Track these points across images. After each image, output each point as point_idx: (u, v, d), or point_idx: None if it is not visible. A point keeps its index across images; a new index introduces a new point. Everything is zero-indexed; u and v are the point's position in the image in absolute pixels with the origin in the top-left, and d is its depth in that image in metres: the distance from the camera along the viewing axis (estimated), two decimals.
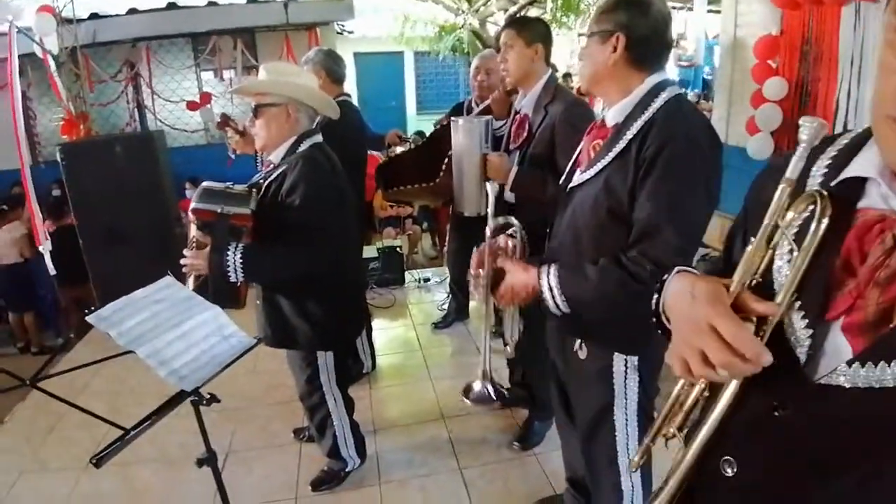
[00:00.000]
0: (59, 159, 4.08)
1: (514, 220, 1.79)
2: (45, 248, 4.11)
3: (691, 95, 8.41)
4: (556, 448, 2.41)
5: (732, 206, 1.53)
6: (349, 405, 2.42)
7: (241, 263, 1.88)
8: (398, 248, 4.83)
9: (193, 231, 1.98)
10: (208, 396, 1.45)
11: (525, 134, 2.34)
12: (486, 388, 2.06)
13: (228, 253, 1.88)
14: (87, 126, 5.20)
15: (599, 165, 1.49)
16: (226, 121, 2.64)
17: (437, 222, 6.09)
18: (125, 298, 1.59)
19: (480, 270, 1.75)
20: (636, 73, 1.48)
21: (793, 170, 0.66)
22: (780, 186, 0.67)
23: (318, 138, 2.10)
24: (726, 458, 0.71)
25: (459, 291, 3.97)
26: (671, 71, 9.16)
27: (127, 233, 4.09)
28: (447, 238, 3.86)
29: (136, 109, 6.87)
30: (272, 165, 2.07)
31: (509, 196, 2.32)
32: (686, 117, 1.44)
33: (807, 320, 0.65)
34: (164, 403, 1.42)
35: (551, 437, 2.66)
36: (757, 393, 0.67)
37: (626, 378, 1.69)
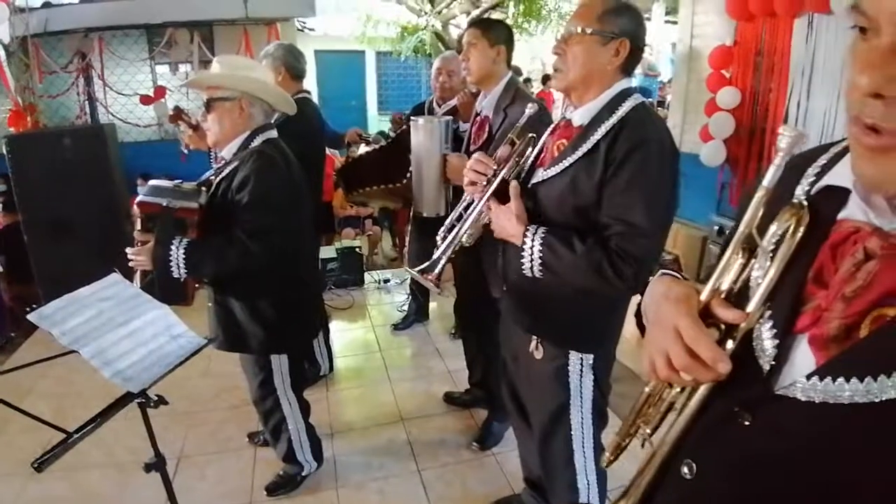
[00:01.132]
0: (4, 151, 3.91)
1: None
2: None
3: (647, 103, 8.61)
4: (514, 448, 2.42)
5: (685, 211, 1.58)
6: (304, 409, 2.37)
7: (184, 258, 1.82)
8: (357, 249, 4.78)
9: (137, 226, 1.91)
10: (156, 398, 1.39)
11: (485, 136, 2.34)
12: None
13: (172, 247, 1.82)
14: (34, 118, 4.98)
15: (565, 163, 1.50)
16: (179, 114, 2.56)
17: (395, 223, 6.05)
18: (69, 296, 1.52)
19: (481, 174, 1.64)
20: (618, 79, 1.51)
21: (770, 178, 0.65)
22: (757, 195, 0.66)
23: (273, 134, 2.05)
24: (686, 460, 0.71)
25: (419, 292, 3.96)
26: (635, 80, 9.38)
27: (74, 229, 3.94)
28: (407, 239, 3.84)
29: (87, 102, 6.60)
30: (224, 161, 2.02)
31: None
32: (654, 123, 1.50)
33: (774, 330, 0.65)
34: (110, 406, 1.36)
35: (510, 438, 2.66)
36: (720, 398, 0.67)
37: (581, 377, 1.70)
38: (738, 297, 0.69)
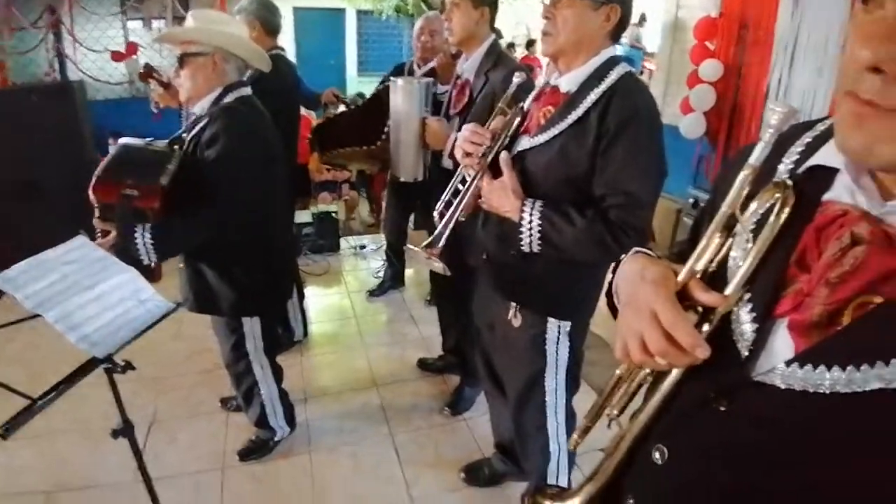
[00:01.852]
0: None
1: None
2: None
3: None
4: (485, 413, 2.45)
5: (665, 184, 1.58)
6: (277, 374, 2.36)
7: (153, 245, 1.75)
8: (333, 214, 4.72)
9: (95, 216, 1.81)
10: (123, 364, 1.36)
11: (466, 99, 2.29)
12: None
13: (136, 237, 1.74)
14: (3, 75, 4.77)
15: (553, 131, 1.48)
16: (149, 72, 2.47)
17: (372, 188, 5.97)
18: (33, 259, 1.47)
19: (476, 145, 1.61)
20: (606, 45, 1.49)
21: (757, 156, 0.62)
22: (742, 173, 0.63)
23: (246, 91, 1.98)
24: (658, 445, 0.70)
25: (396, 258, 3.94)
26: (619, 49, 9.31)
27: (42, 188, 3.81)
28: (384, 205, 3.80)
29: (56, 58, 6.34)
30: (195, 118, 1.95)
31: (447, 163, 2.28)
32: (643, 93, 1.49)
33: (754, 314, 0.63)
34: (74, 372, 1.33)
35: (481, 403, 2.69)
36: (695, 382, 0.66)
37: (558, 344, 1.72)
38: (714, 277, 0.67)
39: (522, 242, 1.52)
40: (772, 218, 0.62)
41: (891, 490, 0.49)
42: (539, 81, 1.66)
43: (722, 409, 0.62)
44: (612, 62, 1.48)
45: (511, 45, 8.82)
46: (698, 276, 0.67)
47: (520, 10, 10.29)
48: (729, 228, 0.67)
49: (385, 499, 2.27)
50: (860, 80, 0.51)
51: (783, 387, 0.57)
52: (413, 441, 2.57)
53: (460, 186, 1.64)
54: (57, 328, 1.31)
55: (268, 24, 2.82)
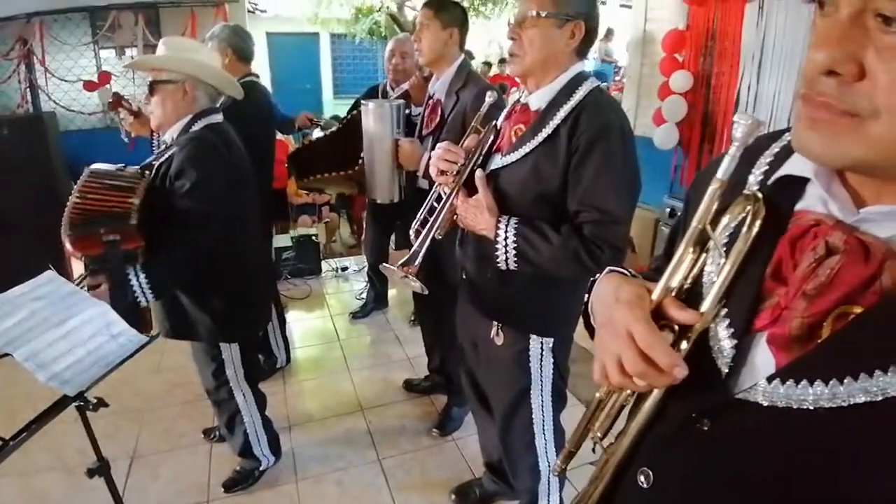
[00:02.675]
0: None
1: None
2: None
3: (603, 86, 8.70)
4: (474, 433, 2.42)
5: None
6: (260, 401, 2.32)
7: (148, 284, 1.73)
8: (314, 237, 4.69)
9: (80, 270, 1.76)
10: (95, 401, 1.33)
11: (438, 119, 2.31)
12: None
13: (131, 281, 1.71)
14: None
15: (525, 149, 1.48)
16: (118, 101, 2.45)
17: (353, 209, 5.96)
18: (1, 296, 1.43)
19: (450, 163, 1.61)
20: (574, 61, 1.50)
21: (725, 170, 0.61)
22: (711, 187, 0.62)
23: (217, 118, 1.97)
24: (643, 468, 0.69)
25: (378, 279, 3.92)
26: (591, 64, 9.43)
27: (12, 222, 3.75)
28: (364, 225, 3.79)
29: (28, 90, 6.27)
30: (164, 146, 1.93)
31: (423, 183, 2.28)
32: (612, 107, 1.50)
33: (732, 329, 0.62)
34: (46, 411, 1.29)
35: (470, 422, 2.66)
36: (677, 403, 0.65)
37: (541, 361, 1.71)
38: (690, 294, 0.66)
39: (499, 260, 1.52)
40: (744, 231, 0.61)
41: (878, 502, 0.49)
42: (511, 99, 1.67)
43: (705, 429, 0.61)
44: (580, 78, 1.49)
45: (487, 64, 8.91)
46: (673, 293, 0.65)
47: (492, 28, 10.44)
48: (701, 244, 0.66)
49: None
50: (816, 83, 0.51)
51: (766, 404, 0.56)
52: (401, 465, 2.53)
53: (436, 205, 1.64)
54: (26, 367, 1.28)
55: (240, 50, 2.82)
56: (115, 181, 1.81)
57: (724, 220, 0.64)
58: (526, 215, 1.50)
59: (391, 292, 4.12)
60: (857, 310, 0.53)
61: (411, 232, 1.70)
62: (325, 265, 4.75)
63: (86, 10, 5.99)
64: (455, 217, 1.61)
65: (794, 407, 0.54)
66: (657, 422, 0.66)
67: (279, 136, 3.99)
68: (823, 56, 0.50)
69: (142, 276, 1.73)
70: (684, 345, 0.62)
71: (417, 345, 3.22)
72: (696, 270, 0.67)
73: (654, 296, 0.66)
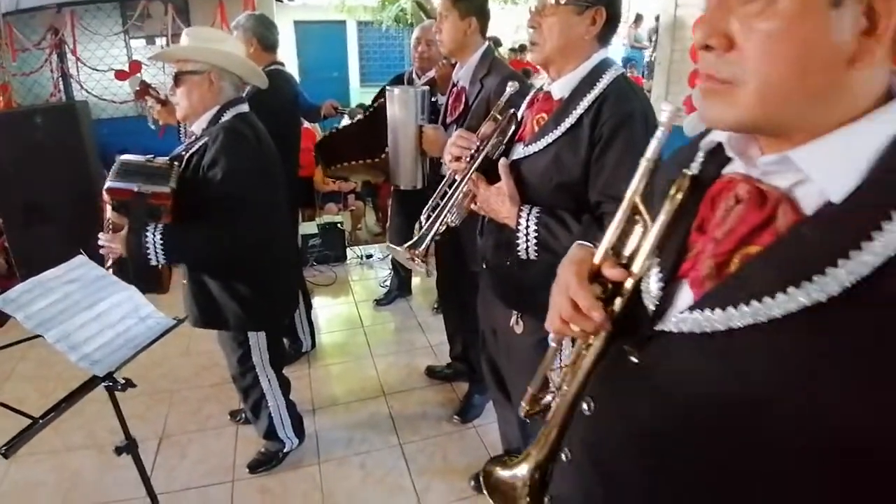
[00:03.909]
0: None
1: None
2: None
3: (634, 74, 8.54)
4: (494, 421, 2.43)
5: None
6: (284, 385, 2.37)
7: (162, 245, 1.77)
8: (339, 225, 4.74)
9: (109, 212, 1.85)
10: (123, 381, 1.37)
11: (462, 107, 2.30)
12: None
13: (147, 234, 1.76)
14: (7, 97, 4.84)
15: (548, 139, 1.47)
16: (145, 89, 2.49)
17: (379, 197, 5.99)
18: (34, 280, 1.49)
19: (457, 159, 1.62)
20: (596, 49, 1.47)
21: (651, 151, 0.72)
22: (641, 166, 0.73)
23: (244, 108, 2.00)
24: (587, 398, 0.79)
25: (401, 267, 3.94)
26: (620, 51, 9.30)
27: (48, 209, 3.86)
28: (389, 213, 3.81)
29: (60, 79, 6.42)
30: (194, 137, 1.97)
31: (446, 170, 2.28)
32: (636, 95, 1.47)
33: (661, 275, 0.72)
34: (76, 390, 1.34)
35: (490, 410, 2.68)
36: (617, 341, 0.74)
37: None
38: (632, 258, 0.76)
39: (520, 249, 1.51)
40: (668, 199, 0.72)
41: (763, 411, 0.56)
42: (535, 86, 1.65)
43: (634, 360, 0.71)
44: (604, 66, 1.46)
45: (513, 50, 8.82)
46: (624, 260, 0.76)
47: (520, 14, 10.31)
48: (631, 214, 0.76)
49: None
50: (702, 59, 0.61)
51: (676, 331, 0.65)
52: (422, 450, 2.56)
53: (449, 190, 1.64)
54: (57, 348, 1.33)
55: (264, 39, 2.85)
56: (147, 171, 1.85)
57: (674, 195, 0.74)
58: (547, 205, 1.48)
59: (415, 280, 4.14)
60: (756, 249, 0.61)
61: (422, 217, 1.71)
62: (350, 252, 4.80)
63: (116, 0, 6.09)
64: (474, 205, 1.61)
65: (697, 332, 0.62)
66: (600, 360, 0.76)
67: (306, 124, 4.02)
68: (699, 33, 0.60)
69: (158, 235, 1.77)
70: (619, 299, 0.73)
71: (440, 332, 3.24)
72: (633, 237, 0.77)
73: (596, 259, 0.77)
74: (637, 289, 0.73)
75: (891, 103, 0.57)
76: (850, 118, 0.57)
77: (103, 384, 1.35)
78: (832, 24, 0.53)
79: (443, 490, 2.33)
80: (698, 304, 0.63)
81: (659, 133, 0.70)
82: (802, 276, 0.53)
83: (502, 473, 0.86)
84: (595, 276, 0.76)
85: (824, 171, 0.57)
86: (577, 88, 1.46)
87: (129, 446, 1.51)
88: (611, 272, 0.74)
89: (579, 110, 1.42)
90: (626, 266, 0.74)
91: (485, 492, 0.88)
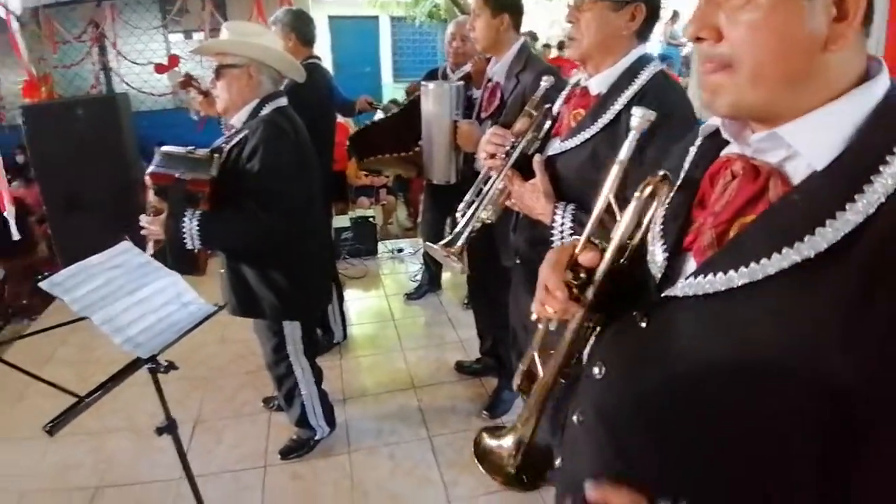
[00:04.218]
0: (21, 122, 3.94)
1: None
2: (9, 214, 3.98)
3: (671, 71, 8.40)
4: None
5: None
6: (317, 375, 2.41)
7: (198, 230, 1.83)
8: (371, 219, 4.78)
9: (150, 196, 1.92)
10: (166, 364, 1.41)
11: (497, 102, 2.30)
12: None
13: (185, 219, 1.83)
14: (49, 88, 5.00)
15: (584, 135, 1.45)
16: (188, 80, 2.54)
17: (410, 192, 6.02)
18: (80, 264, 1.54)
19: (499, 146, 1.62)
20: (634, 45, 1.45)
21: (625, 153, 0.80)
22: (613, 169, 0.81)
23: (282, 102, 2.04)
24: (597, 361, 0.83)
25: (432, 262, 3.96)
26: (656, 48, 9.13)
27: (89, 198, 3.98)
28: (421, 208, 3.83)
29: (101, 72, 6.62)
30: (234, 129, 2.01)
31: (479, 166, 2.28)
32: (676, 92, 1.46)
33: (665, 246, 0.78)
34: (120, 371, 1.39)
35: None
36: (626, 308, 0.79)
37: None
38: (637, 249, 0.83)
39: (554, 245, 1.51)
40: (637, 196, 0.78)
41: (760, 359, 0.61)
42: (571, 81, 1.64)
43: (642, 325, 0.76)
44: (643, 61, 1.44)
45: (547, 46, 8.75)
46: (627, 251, 0.82)
47: (555, 10, 10.22)
48: (608, 209, 0.84)
49: (423, 500, 2.29)
50: (699, 52, 0.68)
51: (681, 295, 0.70)
52: (451, 443, 2.57)
53: (484, 187, 1.64)
54: (103, 330, 1.37)
55: (302, 34, 2.89)
56: (189, 160, 1.91)
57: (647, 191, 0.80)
58: (583, 201, 1.48)
59: (445, 275, 4.15)
60: (751, 218, 0.67)
61: (457, 214, 1.71)
62: (381, 246, 4.84)
63: None
64: (509, 201, 1.61)
65: (700, 294, 0.67)
66: (610, 325, 0.82)
67: (339, 118, 4.07)
68: (691, 27, 0.67)
69: (195, 221, 1.84)
70: (591, 288, 0.80)
71: (470, 327, 3.25)
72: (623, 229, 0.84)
73: (577, 249, 0.83)
74: (615, 275, 0.81)
75: (867, 83, 0.63)
76: (831, 97, 0.63)
77: (146, 366, 1.39)
78: (806, 13, 0.60)
79: (471, 484, 2.34)
80: (701, 270, 0.68)
81: (630, 136, 0.76)
82: (794, 237, 0.60)
83: (490, 442, 0.91)
84: (575, 263, 0.83)
85: (809, 144, 0.64)
86: (616, 84, 1.44)
87: (169, 427, 1.56)
88: (583, 257, 0.81)
89: (617, 106, 1.40)
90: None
91: (475, 459, 0.91)
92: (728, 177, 0.72)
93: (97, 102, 4.49)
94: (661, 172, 0.78)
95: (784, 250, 0.60)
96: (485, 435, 0.92)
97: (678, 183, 0.82)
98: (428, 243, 1.74)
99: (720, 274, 0.65)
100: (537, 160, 1.51)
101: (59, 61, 6.07)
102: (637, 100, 1.39)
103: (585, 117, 1.48)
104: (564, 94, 1.62)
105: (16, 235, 3.96)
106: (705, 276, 0.67)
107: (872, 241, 0.56)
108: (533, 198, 1.52)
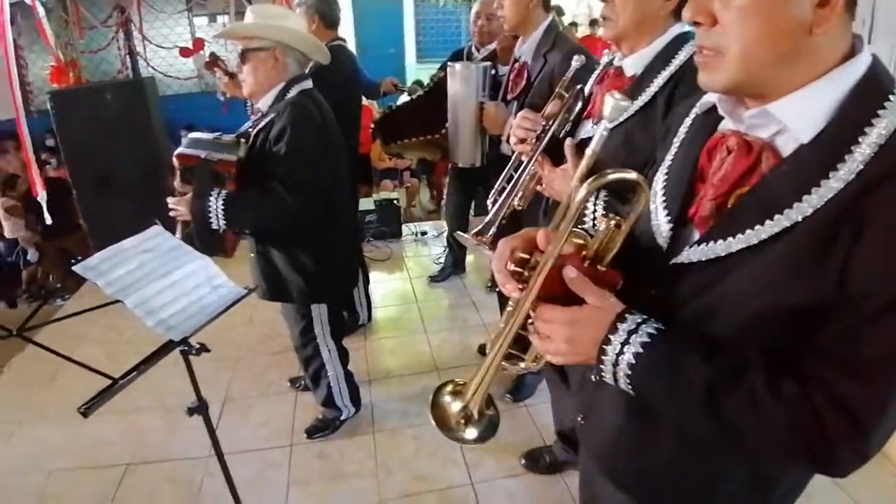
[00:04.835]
0: (49, 108, 4.00)
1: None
2: (41, 197, 4.06)
3: None
4: (546, 400, 2.45)
5: None
6: (343, 356, 2.43)
7: (223, 210, 1.85)
8: (395, 202, 4.79)
9: (176, 182, 1.95)
10: (198, 346, 1.44)
11: (524, 83, 2.26)
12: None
13: (210, 199, 1.85)
14: (76, 73, 5.05)
15: (619, 118, 1.42)
16: (214, 61, 2.54)
17: (434, 175, 6.01)
18: (113, 248, 1.56)
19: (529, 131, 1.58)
20: (671, 24, 1.39)
21: (595, 144, 0.85)
22: (585, 159, 0.88)
23: (308, 84, 2.04)
24: None
25: (456, 245, 3.95)
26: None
27: (118, 182, 4.05)
28: (445, 191, 3.82)
29: (127, 56, 6.68)
30: (260, 113, 2.02)
31: (506, 148, 2.26)
32: None
33: (669, 216, 0.85)
34: (153, 353, 1.41)
35: (542, 390, 2.69)
36: (638, 277, 0.83)
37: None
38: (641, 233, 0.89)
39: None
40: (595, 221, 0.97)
41: (754, 311, 0.71)
42: (603, 60, 1.59)
43: (653, 293, 0.82)
44: (681, 40, 1.38)
45: (574, 24, 8.60)
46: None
47: None
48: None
49: (446, 480, 2.31)
50: (697, 36, 0.74)
51: (686, 262, 0.78)
52: None
53: (514, 173, 1.61)
54: (136, 313, 1.40)
55: (326, 16, 2.88)
56: (216, 144, 1.93)
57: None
58: (615, 187, 1.44)
59: (469, 258, 4.15)
60: (746, 189, 0.75)
61: (489, 201, 1.69)
62: (405, 229, 4.85)
63: None
64: (539, 186, 1.58)
65: (704, 259, 0.76)
66: (623, 293, 0.83)
67: (364, 101, 4.06)
68: (688, 12, 0.73)
69: (220, 201, 1.86)
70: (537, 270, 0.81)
71: (493, 311, 3.25)
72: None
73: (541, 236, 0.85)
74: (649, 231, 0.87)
75: (849, 61, 0.69)
76: (818, 75, 0.70)
77: (179, 349, 1.42)
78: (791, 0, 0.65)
79: (492, 466, 2.36)
80: (703, 238, 0.77)
81: (600, 127, 0.78)
82: (783, 205, 0.68)
83: (444, 399, 0.96)
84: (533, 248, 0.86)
85: (795, 119, 0.70)
86: (651, 65, 1.38)
87: (200, 407, 1.59)
88: (539, 239, 0.82)
89: (654, 88, 1.35)
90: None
91: (429, 405, 0.96)
92: (724, 152, 0.78)
93: (125, 87, 4.53)
94: (613, 221, 0.81)
95: (775, 217, 0.69)
96: (446, 388, 0.98)
97: (671, 155, 0.91)
98: (459, 232, 1.72)
99: (720, 241, 0.74)
100: (569, 144, 1.48)
101: (86, 46, 6.13)
102: (674, 82, 1.33)
103: None
104: (597, 74, 1.57)
105: (48, 220, 4.05)
106: (707, 245, 0.75)
107: (845, 198, 0.64)
108: (564, 184, 1.48)
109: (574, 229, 0.83)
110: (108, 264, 1.50)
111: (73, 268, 1.46)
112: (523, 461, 2.35)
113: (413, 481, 2.31)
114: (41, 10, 4.74)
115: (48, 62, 5.41)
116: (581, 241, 0.84)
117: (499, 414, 0.97)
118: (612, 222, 0.81)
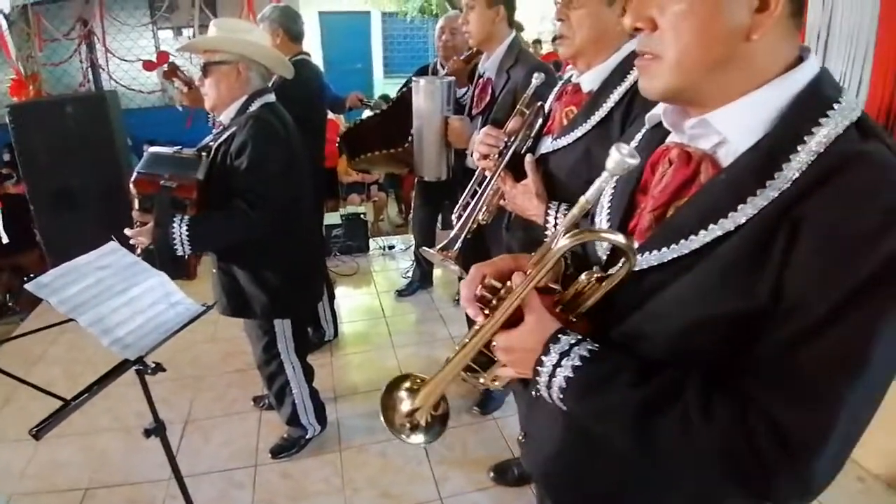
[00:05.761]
0: (7, 121, 3.89)
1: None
2: None
3: None
4: (514, 413, 2.45)
5: None
6: (308, 373, 2.40)
7: (188, 236, 1.81)
8: (362, 216, 4.77)
9: (134, 211, 1.89)
10: (153, 365, 1.40)
11: (488, 98, 2.28)
12: None
13: (174, 227, 1.80)
14: (37, 87, 4.94)
15: (577, 133, 1.43)
16: (174, 70, 2.50)
17: (402, 189, 6.01)
18: (67, 265, 1.53)
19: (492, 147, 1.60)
20: (626, 40, 1.41)
21: (591, 193, 0.75)
22: (576, 208, 0.77)
23: (271, 98, 2.02)
24: None
25: (424, 259, 3.95)
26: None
27: (78, 197, 3.95)
28: (412, 205, 3.82)
29: (89, 69, 6.54)
30: (222, 126, 1.99)
31: (470, 162, 2.28)
32: None
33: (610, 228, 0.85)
34: (107, 373, 1.38)
35: (510, 403, 2.70)
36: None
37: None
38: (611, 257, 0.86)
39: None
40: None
41: (689, 317, 0.71)
42: (564, 78, 1.62)
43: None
44: (636, 55, 1.42)
45: (537, 42, 8.74)
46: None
47: (544, 4, 10.19)
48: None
49: (415, 497, 2.29)
50: (638, 42, 0.74)
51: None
52: (442, 441, 2.55)
53: (478, 188, 1.62)
54: (90, 332, 1.36)
55: (290, 31, 2.87)
56: (176, 161, 1.89)
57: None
58: (576, 201, 1.46)
59: (436, 272, 4.15)
60: (684, 200, 0.75)
61: (453, 216, 1.69)
62: (372, 243, 4.83)
63: None
64: (502, 201, 1.59)
65: (637, 270, 0.75)
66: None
67: (331, 115, 4.04)
68: (628, 18, 0.73)
69: (184, 227, 1.81)
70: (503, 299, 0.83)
71: (461, 324, 3.25)
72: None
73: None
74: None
75: (791, 71, 0.69)
76: (759, 84, 0.69)
77: (134, 368, 1.38)
78: (727, 4, 0.65)
79: (461, 480, 2.35)
80: (639, 249, 0.75)
81: (603, 176, 0.73)
82: (718, 214, 0.68)
83: (399, 395, 0.96)
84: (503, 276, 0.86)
85: (734, 128, 0.70)
86: (608, 80, 1.41)
87: (157, 429, 1.55)
88: (515, 279, 0.81)
89: (609, 103, 1.38)
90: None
91: (382, 391, 0.96)
92: (666, 164, 0.78)
93: (87, 100, 4.43)
94: (595, 276, 0.81)
95: (710, 226, 0.68)
96: (404, 383, 0.98)
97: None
98: (424, 248, 1.72)
99: (655, 252, 0.73)
100: (529, 160, 1.50)
101: (47, 59, 5.99)
102: (629, 97, 1.36)
103: (578, 115, 1.45)
104: (556, 91, 1.60)
105: (3, 237, 3.92)
106: (643, 255, 0.75)
107: (780, 206, 0.64)
108: (525, 199, 1.50)
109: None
110: (61, 281, 1.46)
111: (26, 286, 1.41)
112: (492, 474, 2.34)
113: (380, 499, 2.28)
114: (3, 23, 4.63)
115: (9, 75, 5.27)
116: (556, 288, 0.85)
117: (448, 415, 0.98)
118: (594, 276, 0.79)
